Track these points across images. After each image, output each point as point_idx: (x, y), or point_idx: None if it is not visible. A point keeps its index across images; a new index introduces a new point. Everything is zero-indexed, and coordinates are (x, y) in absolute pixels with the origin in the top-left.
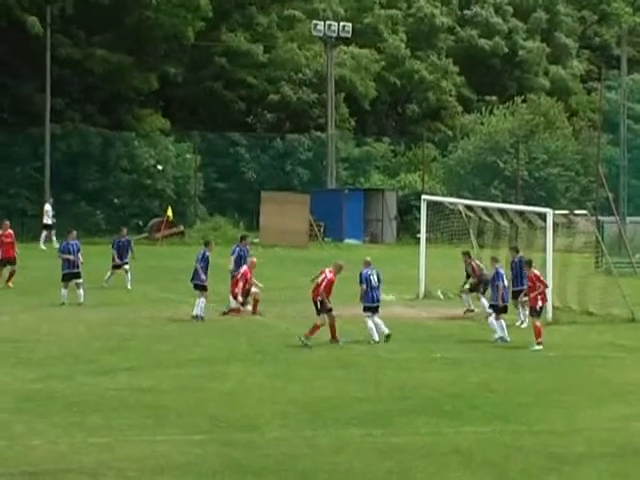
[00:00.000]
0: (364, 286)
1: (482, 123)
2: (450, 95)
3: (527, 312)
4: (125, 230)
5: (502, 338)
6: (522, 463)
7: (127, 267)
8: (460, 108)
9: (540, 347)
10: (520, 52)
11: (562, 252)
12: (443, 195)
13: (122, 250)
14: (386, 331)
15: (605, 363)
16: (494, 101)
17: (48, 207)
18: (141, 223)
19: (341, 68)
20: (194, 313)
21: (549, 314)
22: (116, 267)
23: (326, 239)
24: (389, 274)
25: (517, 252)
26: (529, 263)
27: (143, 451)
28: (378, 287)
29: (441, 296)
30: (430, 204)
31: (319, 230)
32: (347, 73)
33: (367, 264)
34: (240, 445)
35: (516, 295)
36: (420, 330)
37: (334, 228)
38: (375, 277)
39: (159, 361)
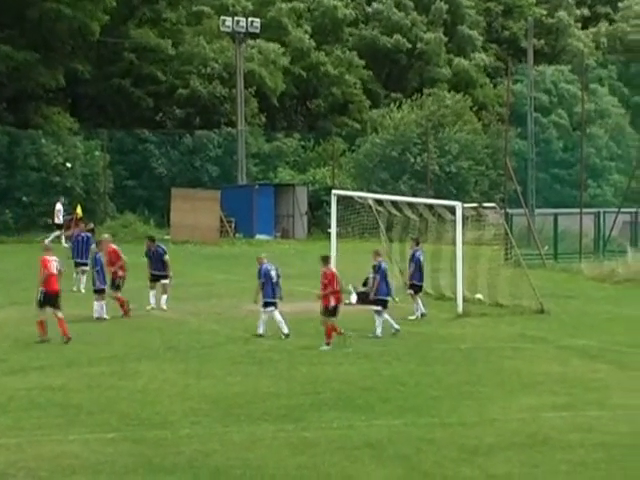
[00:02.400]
0: (262, 280)
1: (389, 117)
2: (356, 88)
3: (418, 305)
4: (83, 224)
5: (376, 335)
6: (434, 455)
7: (86, 268)
8: (368, 103)
9: (329, 347)
10: (419, 44)
11: (472, 245)
12: (353, 189)
13: (81, 247)
14: (285, 330)
15: (515, 354)
16: (400, 97)
17: (59, 206)
18: (50, 221)
19: (250, 63)
20: (104, 315)
21: (459, 307)
22: (78, 265)
23: (237, 235)
24: (300, 269)
25: (417, 244)
26: (324, 260)
27: (54, 451)
28: (277, 282)
29: (352, 290)
30: (340, 199)
31: (230, 226)
32: (256, 68)
33: (262, 260)
34: (152, 443)
35: (416, 289)
36: None
37: (245, 224)
38: (274, 272)
39: (70, 360)
